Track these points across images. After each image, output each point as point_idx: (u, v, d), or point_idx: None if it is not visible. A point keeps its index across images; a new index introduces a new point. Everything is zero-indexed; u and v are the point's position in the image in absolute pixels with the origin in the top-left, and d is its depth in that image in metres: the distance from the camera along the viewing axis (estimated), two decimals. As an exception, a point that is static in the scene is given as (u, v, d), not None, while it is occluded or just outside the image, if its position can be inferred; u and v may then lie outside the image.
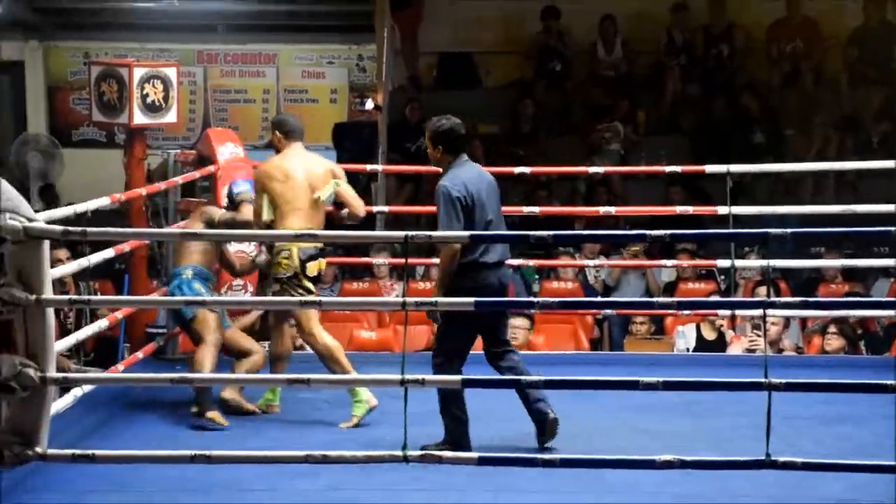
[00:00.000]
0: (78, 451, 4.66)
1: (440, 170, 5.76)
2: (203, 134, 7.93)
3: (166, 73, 7.23)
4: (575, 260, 9.47)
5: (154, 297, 6.91)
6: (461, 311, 5.38)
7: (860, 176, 10.34)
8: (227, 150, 7.31)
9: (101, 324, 6.27)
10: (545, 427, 5.59)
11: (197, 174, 7.35)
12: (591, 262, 9.09)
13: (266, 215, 6.21)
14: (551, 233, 5.23)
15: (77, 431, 5.70)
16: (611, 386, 4.93)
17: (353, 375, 6.10)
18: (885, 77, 11.36)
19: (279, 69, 13.23)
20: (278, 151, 6.38)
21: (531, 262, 9.02)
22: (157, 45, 12.94)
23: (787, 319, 8.02)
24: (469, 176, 5.62)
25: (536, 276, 9.74)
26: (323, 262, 6.35)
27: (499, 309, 5.74)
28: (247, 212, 6.45)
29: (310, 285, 6.21)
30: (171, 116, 7.28)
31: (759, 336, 7.63)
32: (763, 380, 4.57)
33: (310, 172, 6.30)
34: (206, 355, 6.14)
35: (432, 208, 5.60)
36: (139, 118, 7.13)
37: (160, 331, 7.32)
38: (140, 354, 6.73)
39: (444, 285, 5.54)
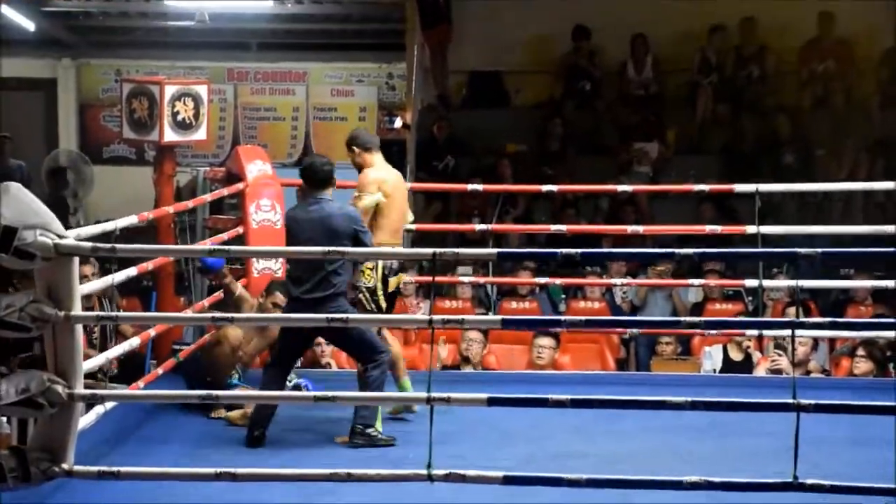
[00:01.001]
0: (104, 468, 4.66)
1: (466, 188, 5.90)
2: (232, 151, 7.95)
3: (197, 90, 7.24)
4: (602, 279, 9.44)
5: (181, 314, 6.91)
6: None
7: (890, 197, 10.29)
8: (256, 168, 7.32)
9: (133, 342, 6.26)
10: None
11: (225, 191, 7.37)
12: (618, 282, 9.04)
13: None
14: (580, 251, 5.22)
15: (102, 448, 5.70)
16: (637, 406, 4.90)
17: (386, 394, 6.14)
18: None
19: (309, 87, 13.27)
20: (360, 168, 6.43)
21: (558, 281, 9.01)
22: (189, 63, 13.01)
23: (816, 341, 7.96)
24: (300, 207, 6.10)
25: (563, 296, 9.71)
26: (403, 276, 6.44)
27: (523, 325, 5.75)
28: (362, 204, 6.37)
29: (383, 302, 6.29)
30: (200, 134, 7.28)
31: (780, 356, 7.58)
32: (791, 401, 4.53)
33: (403, 190, 6.43)
34: None
35: (460, 226, 5.69)
36: (169, 135, 7.14)
37: (185, 347, 7.32)
38: (160, 370, 6.72)
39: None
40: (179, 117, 7.15)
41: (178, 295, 7.72)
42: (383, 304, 6.31)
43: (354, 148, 6.44)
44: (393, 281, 6.35)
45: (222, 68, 13.20)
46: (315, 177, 6.03)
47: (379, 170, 6.42)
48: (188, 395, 5.49)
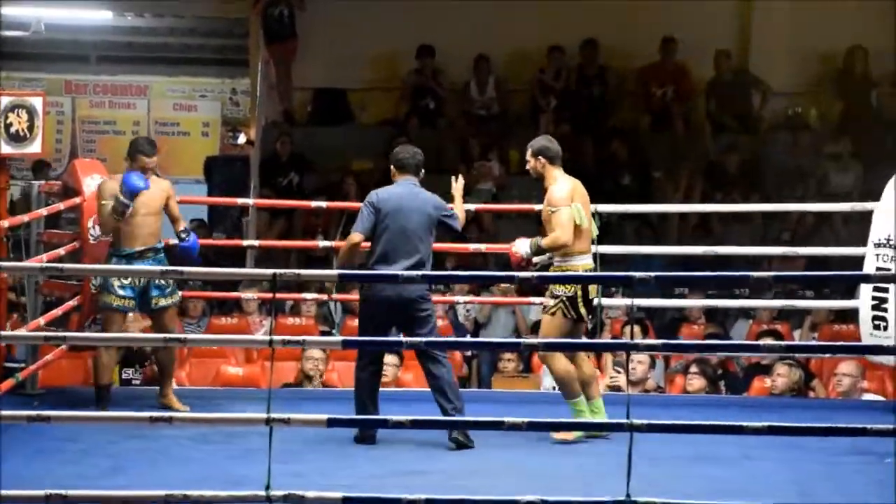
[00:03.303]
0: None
1: (310, 205, 6.08)
2: (69, 165, 7.77)
3: (32, 102, 7.06)
4: (445, 297, 9.48)
5: (14, 332, 6.71)
6: (363, 310, 6.11)
7: (722, 220, 10.60)
8: (94, 182, 7.16)
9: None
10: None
11: (62, 206, 7.20)
12: (461, 299, 9.10)
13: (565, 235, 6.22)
14: (420, 272, 5.25)
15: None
16: (477, 426, 4.93)
17: (223, 415, 6.01)
18: (743, 126, 11.67)
19: (150, 101, 13.07)
20: (539, 178, 6.45)
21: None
22: (24, 74, 12.69)
23: (653, 358, 8.12)
24: (393, 190, 6.28)
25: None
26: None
27: (364, 345, 5.77)
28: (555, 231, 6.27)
29: (583, 310, 6.23)
30: (35, 147, 7.09)
31: (619, 373, 7.71)
32: (625, 420, 4.61)
33: (587, 198, 6.43)
34: None
35: (303, 243, 5.75)
36: (2, 147, 6.93)
37: (19, 366, 7.11)
38: (-5, 391, 6.52)
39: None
40: (13, 129, 6.96)
41: (10, 313, 7.49)
42: (583, 312, 6.25)
43: (541, 158, 6.37)
44: (593, 288, 6.29)
45: (60, 80, 12.90)
46: (411, 161, 6.30)
47: (565, 182, 6.38)
48: (18, 415, 5.32)
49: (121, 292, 6.74)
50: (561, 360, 6.32)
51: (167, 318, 6.86)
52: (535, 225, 10.75)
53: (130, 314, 6.93)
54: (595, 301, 6.48)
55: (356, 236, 6.20)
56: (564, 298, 6.28)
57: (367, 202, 6.25)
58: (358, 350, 6.28)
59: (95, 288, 6.88)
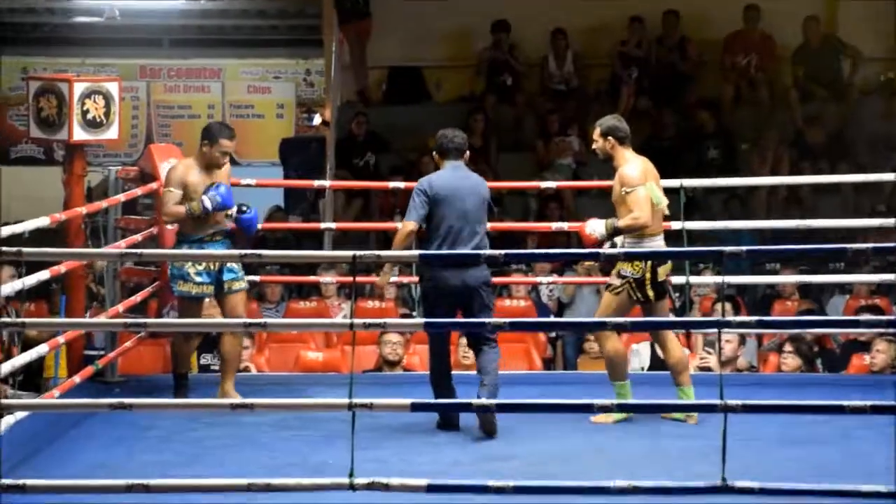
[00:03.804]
0: (8, 482, 4.51)
1: (387, 185, 5.90)
2: (146, 150, 7.80)
3: (108, 87, 7.09)
4: (527, 277, 9.40)
5: (93, 319, 6.75)
6: (427, 298, 6.04)
7: (812, 192, 10.40)
8: (170, 167, 7.17)
9: (41, 349, 6.09)
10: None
11: (139, 191, 7.23)
12: (544, 280, 9.01)
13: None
14: (503, 252, 5.18)
15: (9, 461, 5.52)
16: (564, 409, 4.85)
17: (304, 401, 6.02)
18: (833, 93, 11.43)
19: (224, 84, 13.11)
20: (607, 158, 6.37)
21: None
22: (99, 61, 12.79)
23: (743, 337, 7.98)
24: (443, 175, 6.19)
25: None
26: (670, 265, 6.32)
27: (445, 327, 5.73)
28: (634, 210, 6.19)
29: (651, 292, 6.18)
30: (112, 132, 7.13)
31: (709, 353, 7.59)
32: (718, 401, 4.50)
33: (657, 175, 6.37)
34: None
35: (381, 224, 5.73)
36: (79, 134, 6.98)
37: (98, 353, 7.16)
38: (77, 378, 6.56)
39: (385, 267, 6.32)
40: (89, 116, 7.00)
41: (90, 300, 7.55)
42: (651, 295, 6.19)
43: (610, 139, 6.31)
44: (662, 270, 6.22)
45: (134, 65, 12.99)
46: (450, 145, 6.22)
47: (636, 161, 6.30)
48: (97, 403, 5.35)
49: (198, 279, 6.66)
50: (613, 340, 6.29)
51: (239, 301, 6.75)
52: (617, 202, 10.67)
53: (207, 300, 6.88)
54: (666, 282, 6.33)
55: (410, 224, 6.07)
56: (632, 280, 6.18)
57: (419, 190, 6.14)
58: (429, 337, 6.15)
59: (171, 277, 6.79)
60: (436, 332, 6.07)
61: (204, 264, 6.65)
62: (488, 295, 6.12)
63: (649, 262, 6.14)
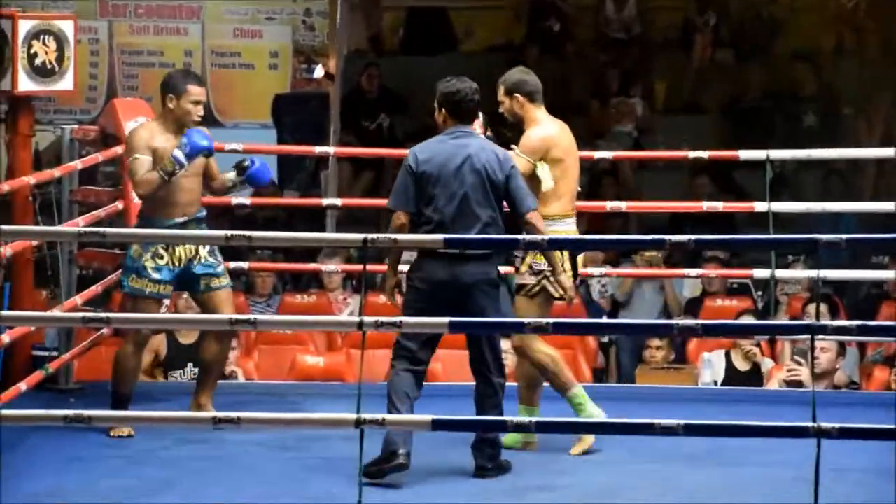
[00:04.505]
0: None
1: (404, 153, 6.12)
2: (108, 105, 7.89)
3: (61, 27, 7.18)
4: (575, 269, 9.46)
5: (44, 313, 6.84)
6: (408, 301, 5.85)
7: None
8: (137, 127, 7.26)
9: (-20, 348, 6.20)
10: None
11: (100, 156, 7.31)
12: (595, 272, 9.06)
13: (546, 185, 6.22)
14: (545, 237, 5.24)
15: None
16: (619, 430, 4.91)
17: (302, 415, 6.11)
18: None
19: (205, 25, 13.17)
20: (517, 121, 6.36)
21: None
22: (51, -7, 12.86)
23: (843, 346, 8.03)
24: (433, 147, 5.96)
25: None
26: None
27: (472, 328, 5.76)
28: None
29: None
30: (66, 83, 7.23)
31: (799, 365, 7.64)
32: (810, 424, 4.56)
33: (575, 147, 6.41)
34: None
35: None
36: (25, 84, 7.08)
37: (49, 354, 7.26)
38: (23, 385, 6.66)
39: (390, 264, 6.04)
40: (38, 61, 7.09)
41: (39, 288, 7.65)
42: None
43: (517, 96, 6.33)
44: (581, 260, 6.34)
45: (93, 1, 13.07)
46: (463, 106, 6.02)
47: (547, 126, 6.32)
48: (49, 415, 5.43)
49: (155, 275, 6.56)
50: (541, 345, 6.23)
51: (223, 301, 6.69)
52: (686, 176, 10.72)
53: (167, 302, 6.85)
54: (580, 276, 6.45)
55: (399, 217, 5.88)
56: (548, 274, 6.17)
57: (404, 166, 5.95)
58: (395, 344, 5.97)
59: (124, 269, 6.70)
60: (411, 338, 5.89)
61: (166, 258, 6.58)
62: (490, 298, 5.92)
63: (566, 253, 6.18)
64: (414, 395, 5.85)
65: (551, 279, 6.16)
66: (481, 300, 5.86)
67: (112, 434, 6.44)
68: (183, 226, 6.57)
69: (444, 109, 6.06)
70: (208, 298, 6.70)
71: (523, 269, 6.26)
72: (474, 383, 5.97)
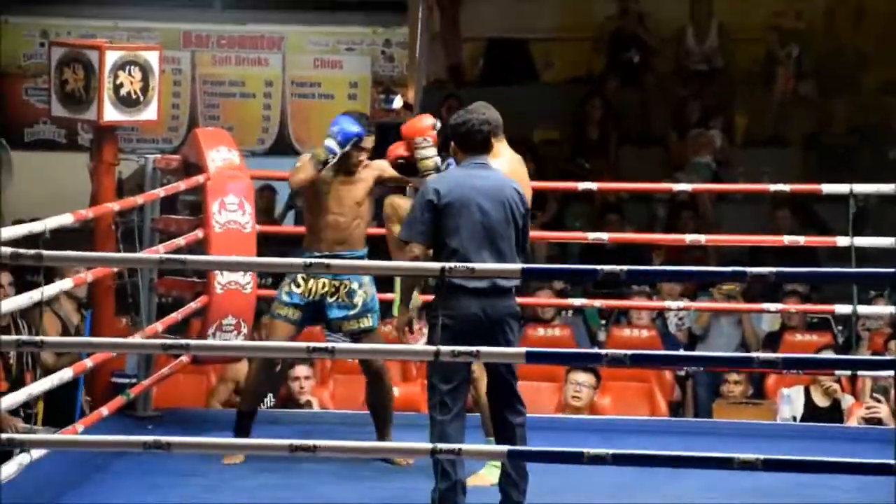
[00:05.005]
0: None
1: None
2: (190, 135, 7.96)
3: (146, 58, 7.24)
4: (652, 301, 9.43)
5: (126, 339, 6.92)
6: (441, 338, 5.60)
7: None
8: (220, 156, 7.32)
9: (65, 374, 6.25)
10: None
11: (182, 185, 7.38)
12: (672, 305, 9.04)
13: None
14: (624, 267, 5.23)
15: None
16: (696, 463, 4.88)
17: (377, 444, 6.12)
18: None
19: (286, 56, 13.27)
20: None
21: (597, 303, 9.00)
22: (135, 24, 13.01)
23: (927, 383, 7.95)
24: (454, 176, 5.86)
25: (602, 322, 9.69)
26: None
27: (550, 359, 5.74)
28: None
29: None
30: (150, 113, 7.28)
31: (880, 402, 7.57)
32: (892, 461, 4.52)
33: None
34: None
35: None
36: (110, 114, 7.14)
37: (129, 381, 7.34)
38: (105, 411, 6.73)
39: (405, 299, 5.96)
40: (123, 91, 7.15)
41: (119, 315, 7.72)
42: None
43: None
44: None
45: (177, 31, 13.20)
46: (471, 137, 5.88)
47: (503, 160, 6.21)
48: (128, 441, 5.49)
49: (285, 298, 6.66)
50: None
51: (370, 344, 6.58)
52: (767, 209, 10.66)
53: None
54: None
55: (415, 249, 5.73)
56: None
57: (421, 197, 5.79)
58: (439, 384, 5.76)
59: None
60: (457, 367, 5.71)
61: (302, 287, 6.62)
62: (515, 333, 5.82)
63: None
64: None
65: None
66: (509, 335, 5.76)
67: (225, 462, 6.53)
68: (328, 255, 6.53)
69: (453, 143, 5.95)
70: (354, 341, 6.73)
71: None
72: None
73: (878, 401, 7.61)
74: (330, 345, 5.59)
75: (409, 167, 6.49)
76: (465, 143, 5.89)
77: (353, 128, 6.54)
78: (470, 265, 5.25)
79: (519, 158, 6.37)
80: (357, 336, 6.71)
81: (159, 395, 7.68)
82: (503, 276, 5.66)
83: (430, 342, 5.74)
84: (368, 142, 6.67)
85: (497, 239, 5.75)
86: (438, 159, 6.43)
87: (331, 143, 6.50)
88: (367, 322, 6.72)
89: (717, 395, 8.91)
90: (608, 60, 11.95)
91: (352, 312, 6.68)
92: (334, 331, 6.88)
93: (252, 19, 13.27)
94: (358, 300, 6.65)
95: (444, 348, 5.04)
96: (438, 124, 6.50)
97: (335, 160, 6.53)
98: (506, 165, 6.17)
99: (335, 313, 6.68)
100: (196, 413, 7.77)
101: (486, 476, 6.13)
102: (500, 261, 5.70)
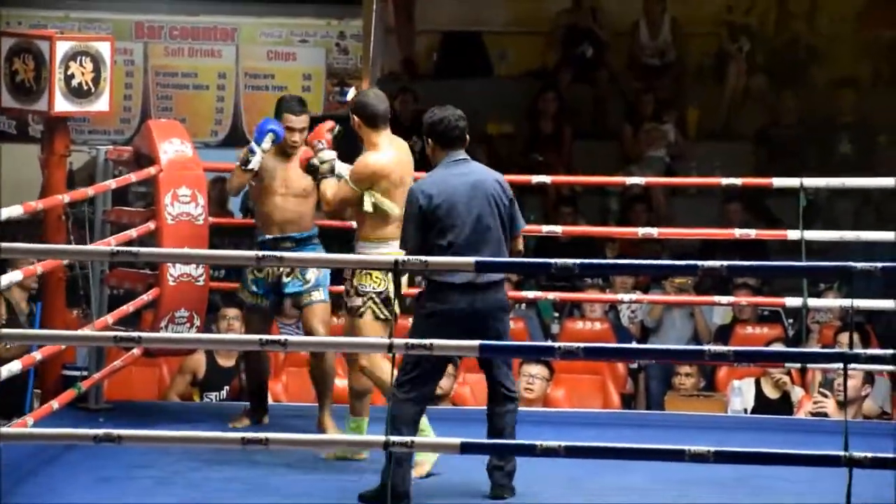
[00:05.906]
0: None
1: None
2: (142, 127, 7.93)
3: (98, 48, 7.23)
4: (605, 294, 9.45)
5: (81, 331, 6.87)
6: (418, 328, 5.75)
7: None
8: (172, 148, 7.30)
9: (12, 367, 6.21)
10: None
11: (133, 177, 7.35)
12: (625, 298, 9.06)
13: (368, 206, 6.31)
14: (577, 261, 5.24)
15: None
16: (648, 455, 4.90)
17: (329, 437, 6.17)
18: None
19: (239, 48, 13.22)
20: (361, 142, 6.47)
21: (550, 296, 9.01)
22: (87, 14, 12.92)
23: (872, 375, 7.99)
24: (440, 176, 5.94)
25: (556, 315, 9.71)
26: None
27: (503, 352, 5.78)
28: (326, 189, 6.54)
29: (398, 309, 6.29)
30: (101, 104, 7.27)
31: (826, 397, 7.62)
32: (842, 453, 4.54)
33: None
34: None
35: None
36: (61, 105, 7.12)
37: (80, 373, 7.30)
38: (55, 403, 6.69)
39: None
40: (74, 82, 7.14)
41: (70, 307, 7.68)
42: (397, 312, 6.22)
43: (355, 118, 6.44)
44: (404, 280, 6.35)
45: (129, 22, 13.12)
46: (449, 133, 5.98)
47: (381, 154, 6.37)
48: (78, 434, 5.46)
49: (252, 288, 7.05)
50: (387, 369, 6.18)
51: (312, 317, 7.01)
52: (718, 203, 10.70)
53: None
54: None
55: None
56: (374, 295, 6.27)
57: (410, 201, 5.90)
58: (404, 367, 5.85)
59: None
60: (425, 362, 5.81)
61: (263, 271, 6.97)
62: (504, 325, 5.92)
63: (390, 274, 6.15)
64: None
65: (377, 301, 6.28)
66: (498, 327, 5.87)
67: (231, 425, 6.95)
68: (275, 242, 6.91)
69: (430, 140, 6.03)
70: (303, 316, 7.09)
71: (351, 290, 6.36)
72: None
73: (825, 395, 7.65)
74: (283, 337, 5.60)
75: (315, 169, 6.72)
76: (443, 139, 6.01)
77: (268, 125, 6.88)
78: (423, 258, 5.28)
79: (402, 147, 6.52)
80: (309, 305, 7.00)
81: (111, 387, 7.66)
82: (458, 270, 5.71)
83: (413, 333, 5.76)
84: (299, 122, 6.99)
85: (485, 232, 5.88)
86: (336, 162, 6.66)
87: (252, 144, 6.89)
88: (318, 295, 7.00)
89: (668, 388, 8.94)
90: (562, 54, 11.95)
91: (304, 287, 6.99)
92: (299, 308, 7.16)
93: (205, 10, 13.19)
94: (311, 276, 6.97)
95: (397, 341, 5.04)
96: (338, 128, 6.77)
97: (257, 158, 6.87)
98: (388, 158, 6.37)
99: (291, 289, 7.01)
100: (148, 405, 7.75)
101: (425, 462, 6.19)
102: (492, 254, 5.83)
